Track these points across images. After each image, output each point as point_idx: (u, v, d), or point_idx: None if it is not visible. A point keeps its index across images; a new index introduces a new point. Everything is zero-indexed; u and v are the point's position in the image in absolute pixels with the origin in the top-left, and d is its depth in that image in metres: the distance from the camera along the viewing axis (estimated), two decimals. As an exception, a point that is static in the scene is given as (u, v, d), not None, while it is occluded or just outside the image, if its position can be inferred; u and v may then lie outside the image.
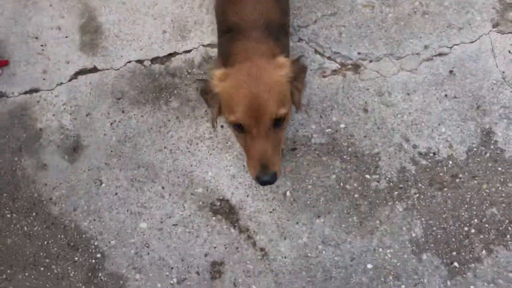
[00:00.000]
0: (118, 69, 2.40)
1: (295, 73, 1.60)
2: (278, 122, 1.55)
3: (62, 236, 2.21)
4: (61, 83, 2.40)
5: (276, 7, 1.82)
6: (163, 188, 2.23)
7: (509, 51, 2.30)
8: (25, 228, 2.22)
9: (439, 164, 2.20)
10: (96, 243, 2.19)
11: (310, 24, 2.40)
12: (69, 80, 2.40)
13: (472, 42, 2.33)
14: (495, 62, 2.30)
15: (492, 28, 2.34)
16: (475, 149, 2.21)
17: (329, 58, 2.36)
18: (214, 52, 2.40)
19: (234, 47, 1.72)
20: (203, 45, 2.41)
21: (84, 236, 2.21)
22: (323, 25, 2.39)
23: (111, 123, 2.33)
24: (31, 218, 2.23)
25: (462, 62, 2.31)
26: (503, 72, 2.28)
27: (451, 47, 2.33)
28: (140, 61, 2.41)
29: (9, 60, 2.44)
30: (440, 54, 2.33)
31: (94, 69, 2.41)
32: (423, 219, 2.14)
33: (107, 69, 2.41)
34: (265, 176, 1.52)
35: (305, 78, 1.73)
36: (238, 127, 1.56)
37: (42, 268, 2.18)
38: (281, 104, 1.52)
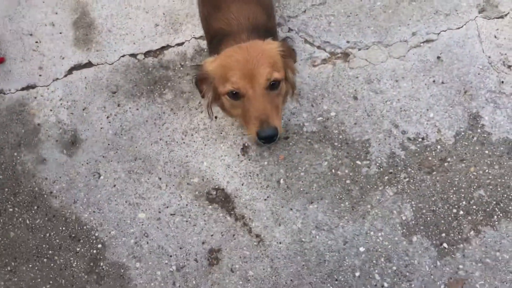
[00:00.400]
0: (112, 63, 2.45)
1: (285, 51, 1.66)
2: (273, 86, 1.60)
3: (64, 228, 2.27)
4: (57, 79, 2.45)
5: (261, 11, 1.87)
6: (160, 179, 2.29)
7: (495, 36, 2.35)
8: (27, 221, 2.29)
9: (428, 149, 2.26)
10: (96, 234, 2.26)
11: (299, 14, 2.44)
12: (65, 76, 2.45)
13: (458, 28, 2.38)
14: (481, 48, 2.34)
15: (478, 14, 2.38)
16: (462, 133, 2.27)
17: (318, 47, 2.40)
18: (206, 44, 2.44)
19: (223, 48, 1.76)
20: (195, 38, 2.45)
21: (85, 227, 2.27)
22: (312, 15, 2.43)
23: (108, 117, 2.39)
24: (33, 211, 2.30)
25: (449, 48, 2.35)
26: (489, 57, 2.33)
27: (438, 34, 2.38)
28: (133, 55, 2.45)
29: (5, 57, 2.48)
30: (427, 41, 2.37)
31: (89, 64, 2.46)
32: (413, 202, 2.20)
33: (102, 64, 2.45)
34: (265, 131, 1.54)
35: (295, 60, 1.79)
36: (234, 95, 1.60)
37: (45, 260, 2.25)
38: (274, 68, 1.58)
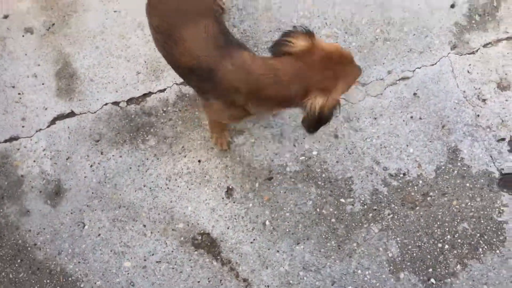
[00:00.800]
0: (95, 112, 2.47)
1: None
2: None
3: (48, 281, 2.24)
4: (40, 130, 2.46)
5: (211, 22, 1.85)
6: (144, 226, 2.28)
7: (468, 71, 2.41)
8: (11, 276, 2.25)
9: (410, 184, 2.29)
10: (82, 285, 2.23)
11: (277, 57, 2.50)
12: (48, 126, 2.46)
13: (432, 64, 2.44)
14: (455, 83, 2.41)
15: (451, 50, 2.45)
16: (443, 167, 2.30)
17: (298, 88, 2.45)
18: (187, 89, 2.48)
19: (219, 81, 1.76)
20: (177, 84, 2.49)
21: (70, 279, 2.24)
22: (290, 57, 2.49)
23: (91, 165, 2.39)
24: (16, 265, 2.27)
25: (425, 84, 2.42)
26: (464, 91, 2.39)
27: (413, 71, 2.44)
28: (116, 103, 2.48)
29: (-12, 110, 2.50)
30: (403, 78, 2.43)
31: (72, 114, 2.48)
32: (398, 238, 2.21)
33: (84, 113, 2.47)
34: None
35: None
36: None
37: (29, 314, 2.21)
38: None
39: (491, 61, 2.42)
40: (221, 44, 1.80)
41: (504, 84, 2.39)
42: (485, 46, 2.45)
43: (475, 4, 2.50)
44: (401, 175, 2.30)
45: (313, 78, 1.63)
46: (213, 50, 1.79)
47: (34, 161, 2.41)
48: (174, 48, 1.87)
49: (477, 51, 2.44)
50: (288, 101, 1.71)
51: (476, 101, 2.37)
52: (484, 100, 2.37)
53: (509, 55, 2.42)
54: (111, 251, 2.26)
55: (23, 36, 2.59)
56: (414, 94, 2.40)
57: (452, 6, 2.50)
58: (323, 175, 2.32)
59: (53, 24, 2.60)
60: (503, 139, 2.32)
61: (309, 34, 1.66)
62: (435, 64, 2.44)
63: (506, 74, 2.40)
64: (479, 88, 2.39)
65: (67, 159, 2.41)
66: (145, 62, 2.54)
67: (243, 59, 1.75)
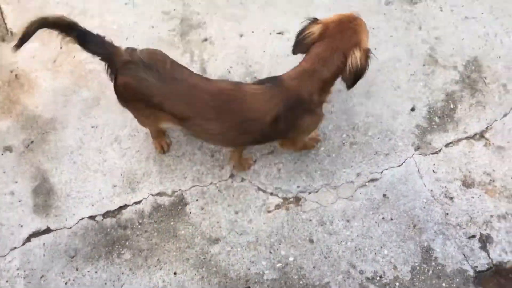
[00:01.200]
0: (71, 227, 2.48)
1: None
2: None
3: None
4: (15, 248, 2.45)
5: (242, 83, 2.15)
6: None
7: (433, 171, 2.51)
8: None
9: (387, 287, 2.28)
10: None
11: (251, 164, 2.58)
12: (23, 244, 2.45)
13: (399, 166, 2.54)
14: (422, 182, 2.49)
15: (415, 151, 2.57)
16: (418, 268, 2.31)
17: (271, 194, 2.51)
18: (163, 200, 2.52)
19: (299, 101, 2.04)
20: (152, 195, 2.54)
21: None
22: (262, 164, 2.58)
23: (66, 283, 2.36)
24: None
25: (393, 185, 2.50)
26: (431, 190, 2.47)
27: (381, 172, 2.53)
28: (92, 217, 2.50)
29: (-37, 230, 2.49)
30: (372, 180, 2.52)
31: (47, 230, 2.48)
32: None
33: (60, 229, 2.48)
34: None
35: None
36: None
37: None
38: None
39: (454, 160, 2.53)
40: (267, 83, 2.06)
41: (468, 182, 2.48)
42: (447, 146, 2.57)
43: (433, 107, 2.65)
44: (378, 278, 2.30)
45: (342, 43, 1.99)
46: (273, 94, 2.02)
47: (7, 281, 2.38)
48: (251, 125, 2.06)
49: (440, 151, 2.56)
50: (339, 72, 2.04)
51: (444, 199, 2.45)
52: (451, 198, 2.45)
53: (470, 153, 2.53)
54: None
55: (2, 154, 2.66)
56: (384, 195, 2.47)
57: (413, 109, 2.65)
58: (301, 282, 2.32)
59: (32, 142, 2.68)
60: (473, 236, 2.36)
61: (315, 19, 2.06)
62: (401, 165, 2.54)
63: (469, 172, 2.50)
64: (446, 187, 2.47)
65: (41, 277, 2.38)
66: (121, 175, 2.60)
67: (293, 72, 2.06)
